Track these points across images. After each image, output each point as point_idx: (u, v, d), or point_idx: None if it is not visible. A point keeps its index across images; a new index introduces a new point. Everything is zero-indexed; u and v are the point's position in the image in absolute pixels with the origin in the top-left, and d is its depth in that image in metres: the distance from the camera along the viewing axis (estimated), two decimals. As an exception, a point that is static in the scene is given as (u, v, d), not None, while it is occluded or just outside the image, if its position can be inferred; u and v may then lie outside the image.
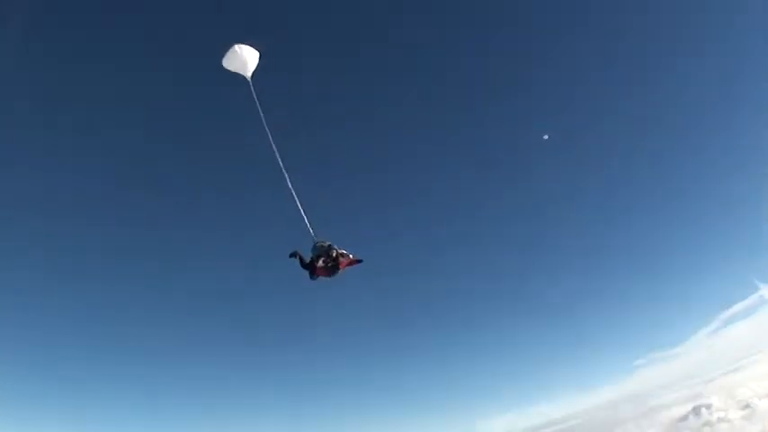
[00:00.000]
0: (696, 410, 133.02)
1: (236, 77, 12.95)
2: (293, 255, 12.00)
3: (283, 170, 12.06)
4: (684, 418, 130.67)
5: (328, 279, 11.99)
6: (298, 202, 11.97)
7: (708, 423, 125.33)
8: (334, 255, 11.88)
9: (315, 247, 12.20)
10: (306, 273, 11.95)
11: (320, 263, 11.85)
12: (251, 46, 12.93)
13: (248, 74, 12.83)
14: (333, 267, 11.86)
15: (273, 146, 11.97)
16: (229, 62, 12.94)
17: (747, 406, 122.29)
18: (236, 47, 12.78)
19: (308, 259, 11.95)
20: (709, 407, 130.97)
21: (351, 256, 12.00)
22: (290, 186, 12.07)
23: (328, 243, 12.05)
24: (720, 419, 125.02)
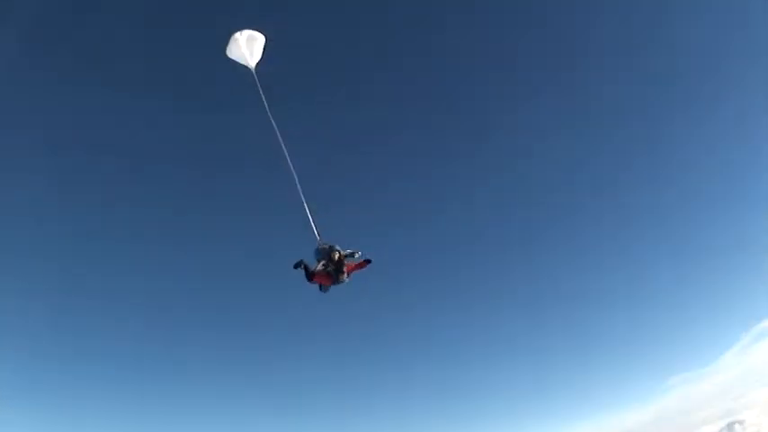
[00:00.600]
0: (730, 427, 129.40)
1: (241, 69, 11.68)
2: (298, 265, 10.24)
3: (290, 164, 10.67)
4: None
5: (335, 286, 10.35)
6: (303, 200, 10.54)
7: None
8: (336, 258, 10.19)
9: (317, 251, 10.59)
10: (314, 285, 10.32)
11: (320, 266, 10.15)
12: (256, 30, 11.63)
13: (252, 63, 11.51)
14: (336, 272, 10.18)
15: (280, 139, 10.53)
16: (233, 51, 11.68)
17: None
18: (239, 33, 11.51)
19: (313, 267, 10.26)
20: (742, 423, 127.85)
21: (358, 254, 10.48)
22: (297, 184, 10.62)
23: (329, 245, 10.40)
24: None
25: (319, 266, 10.20)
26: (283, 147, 10.77)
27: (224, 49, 11.75)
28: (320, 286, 10.40)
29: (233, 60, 11.68)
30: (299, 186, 10.66)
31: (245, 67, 11.61)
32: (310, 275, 10.17)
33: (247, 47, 11.53)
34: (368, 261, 10.58)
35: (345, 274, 10.28)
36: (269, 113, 10.94)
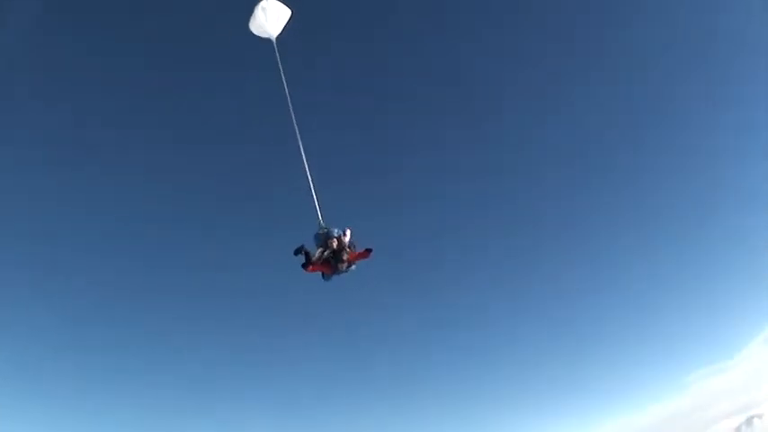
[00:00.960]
0: (748, 421, 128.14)
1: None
2: (298, 251, 9.51)
3: (300, 145, 10.07)
4: (737, 429, 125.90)
5: (336, 275, 9.63)
6: (309, 177, 9.86)
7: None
8: (334, 245, 9.51)
9: (316, 236, 9.78)
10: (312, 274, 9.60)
11: (317, 254, 9.43)
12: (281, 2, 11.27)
13: (274, 34, 11.03)
14: (336, 260, 9.51)
15: (292, 114, 10.09)
16: (256, 24, 11.33)
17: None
18: (263, 3, 11.15)
19: (314, 254, 9.52)
20: (761, 416, 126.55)
21: (346, 235, 9.70)
22: (304, 163, 9.99)
23: (328, 230, 9.70)
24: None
25: (316, 254, 9.55)
26: (293, 115, 10.32)
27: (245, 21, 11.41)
28: (322, 274, 9.80)
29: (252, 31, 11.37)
30: (305, 163, 10.03)
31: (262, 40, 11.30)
32: (305, 265, 9.49)
33: (271, 15, 11.18)
34: (369, 250, 9.85)
35: (346, 264, 9.58)
36: (285, 87, 10.52)
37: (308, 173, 10.07)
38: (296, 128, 10.17)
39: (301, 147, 10.18)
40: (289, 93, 10.43)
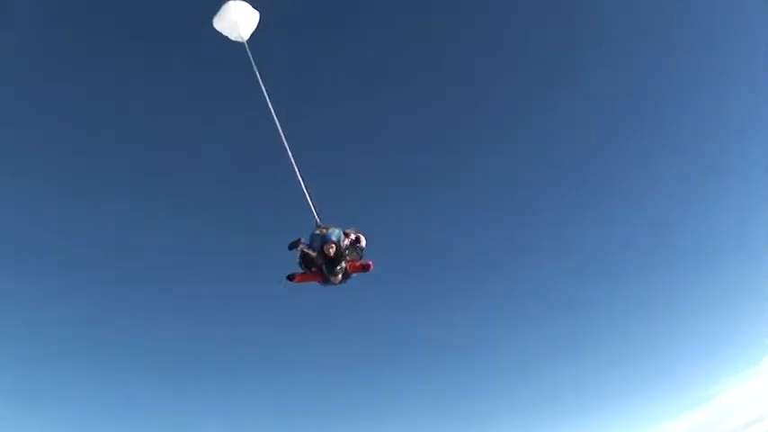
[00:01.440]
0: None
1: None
2: (294, 245, 8.04)
3: (283, 137, 8.71)
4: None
5: (333, 285, 8.15)
6: (296, 168, 8.38)
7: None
8: (331, 253, 7.94)
9: (313, 236, 8.16)
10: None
11: (301, 250, 7.87)
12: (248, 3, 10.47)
13: (244, 37, 10.27)
14: (329, 270, 7.97)
15: (273, 113, 8.76)
16: (222, 23, 10.52)
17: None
18: (230, 4, 10.31)
19: (314, 253, 7.93)
20: None
21: (362, 239, 8.27)
22: (290, 156, 8.56)
23: (325, 231, 8.13)
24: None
25: (301, 249, 8.08)
26: (274, 115, 9.09)
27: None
28: (323, 283, 8.32)
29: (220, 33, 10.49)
30: (288, 148, 8.72)
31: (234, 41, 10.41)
32: (291, 276, 7.98)
33: (238, 18, 10.32)
34: (367, 266, 8.22)
35: (340, 276, 8.04)
36: (262, 88, 9.42)
37: (289, 151, 8.62)
38: (267, 100, 9.10)
39: (277, 120, 8.92)
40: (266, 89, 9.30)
